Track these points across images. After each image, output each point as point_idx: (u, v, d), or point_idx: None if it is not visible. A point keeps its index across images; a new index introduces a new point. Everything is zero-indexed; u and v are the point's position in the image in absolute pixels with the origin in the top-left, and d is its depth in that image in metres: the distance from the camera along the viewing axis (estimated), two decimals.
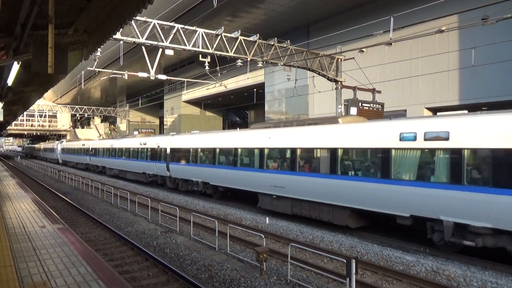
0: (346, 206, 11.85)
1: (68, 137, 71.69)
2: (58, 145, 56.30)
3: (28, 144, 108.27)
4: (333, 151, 12.11)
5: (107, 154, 33.57)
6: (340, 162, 11.99)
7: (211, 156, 18.59)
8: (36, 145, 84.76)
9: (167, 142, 22.97)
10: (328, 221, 12.68)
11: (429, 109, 23.86)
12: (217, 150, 18.11)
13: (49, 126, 75.62)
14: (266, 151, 14.98)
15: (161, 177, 24.28)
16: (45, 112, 62.91)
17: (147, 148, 25.35)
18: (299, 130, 13.82)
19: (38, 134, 75.58)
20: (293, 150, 13.66)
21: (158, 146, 23.74)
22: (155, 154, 24.10)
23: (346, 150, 12.05)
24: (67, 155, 50.97)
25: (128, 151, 28.70)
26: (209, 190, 19.19)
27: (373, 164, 11.23)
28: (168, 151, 22.55)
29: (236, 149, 16.58)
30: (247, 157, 16.17)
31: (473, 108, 19.95)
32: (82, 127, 79.69)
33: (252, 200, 16.59)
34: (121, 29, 5.92)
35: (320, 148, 12.82)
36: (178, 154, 21.47)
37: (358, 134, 11.54)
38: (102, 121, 76.72)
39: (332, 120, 13.53)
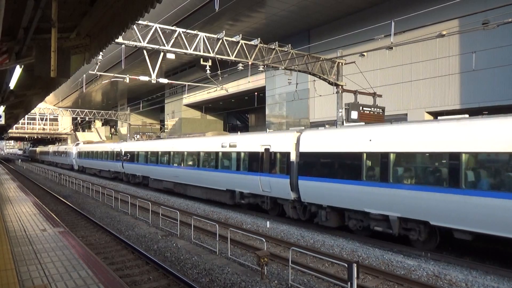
0: None
1: (69, 140, 71.67)
2: (74, 148, 47.03)
3: (30, 146, 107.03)
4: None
5: (153, 160, 25.09)
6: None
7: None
8: (42, 148, 76.16)
9: (290, 142, 14.19)
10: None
11: (430, 113, 23.85)
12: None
13: (50, 129, 75.55)
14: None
15: (272, 201, 15.29)
16: (46, 116, 63.01)
17: (240, 153, 16.66)
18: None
19: (39, 137, 75.53)
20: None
21: (268, 150, 15.05)
22: (263, 162, 15.30)
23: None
24: (86, 160, 41.59)
25: (196, 156, 20.06)
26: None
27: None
28: (294, 158, 13.96)
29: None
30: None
31: (474, 112, 19.95)
32: (83, 131, 79.78)
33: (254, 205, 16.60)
34: (123, 33, 5.94)
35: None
36: (319, 162, 12.97)
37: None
38: (103, 125, 76.84)
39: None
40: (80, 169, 45.00)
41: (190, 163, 20.53)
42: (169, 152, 22.77)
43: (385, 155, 10.82)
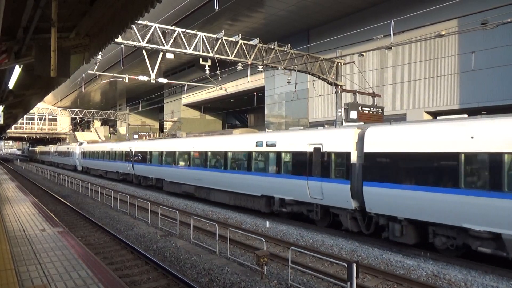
0: None
1: (67, 140, 71.57)
2: (77, 148, 44.69)
3: (29, 146, 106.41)
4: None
5: (169, 160, 22.68)
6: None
7: None
8: (42, 148, 73.56)
9: (349, 141, 11.99)
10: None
11: (429, 113, 23.89)
12: None
13: (49, 129, 75.43)
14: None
15: (323, 210, 13.03)
16: (45, 115, 62.91)
17: (281, 153, 14.35)
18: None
19: (38, 137, 75.44)
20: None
21: (320, 150, 12.78)
22: (312, 164, 12.98)
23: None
24: (90, 160, 39.23)
25: (223, 157, 17.51)
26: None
27: None
28: (355, 159, 11.78)
29: None
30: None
31: (473, 112, 19.98)
32: (82, 131, 79.74)
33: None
34: (122, 33, 5.94)
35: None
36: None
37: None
38: (102, 125, 76.83)
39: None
40: (84, 170, 42.81)
41: (216, 164, 18.15)
42: (189, 153, 20.38)
43: (498, 156, 8.54)
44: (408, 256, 10.19)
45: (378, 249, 10.86)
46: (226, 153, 17.32)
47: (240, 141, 16.73)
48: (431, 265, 9.31)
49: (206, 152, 18.84)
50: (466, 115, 10.49)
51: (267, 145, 15.02)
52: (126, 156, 29.49)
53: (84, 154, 41.39)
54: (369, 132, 11.42)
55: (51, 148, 62.03)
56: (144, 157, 26.19)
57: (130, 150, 28.56)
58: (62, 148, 53.81)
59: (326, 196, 12.47)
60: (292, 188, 13.70)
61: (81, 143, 45.74)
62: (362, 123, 14.71)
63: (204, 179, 18.84)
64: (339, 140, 12.31)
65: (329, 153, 12.46)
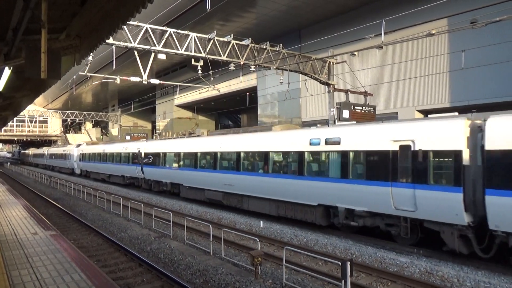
0: None
1: (59, 142, 70.87)
2: (74, 150, 41.85)
3: (19, 149, 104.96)
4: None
5: (189, 163, 19.92)
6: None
7: None
8: (36, 150, 70.42)
9: (458, 136, 9.53)
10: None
11: (420, 111, 24.09)
12: None
13: (40, 131, 74.66)
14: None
15: (414, 224, 10.55)
16: (36, 118, 62.28)
17: (348, 152, 11.90)
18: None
19: (29, 139, 74.65)
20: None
21: (409, 148, 10.39)
22: (397, 166, 10.60)
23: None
24: (91, 163, 36.27)
25: (263, 158, 15.05)
26: None
27: None
28: (468, 159, 9.36)
29: None
30: None
31: (464, 110, 20.20)
32: (75, 132, 79.11)
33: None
34: (113, 34, 5.90)
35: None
36: None
37: None
38: (93, 126, 76.32)
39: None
40: (83, 174, 39.79)
41: (253, 167, 15.60)
42: (215, 153, 17.57)
43: None
44: (401, 254, 10.27)
45: (371, 247, 10.93)
46: (267, 153, 14.77)
47: (285, 139, 14.29)
48: (424, 262, 9.40)
49: (239, 153, 16.14)
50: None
51: (326, 143, 12.45)
52: (133, 158, 26.63)
53: (83, 157, 38.53)
54: (493, 123, 8.80)
55: (46, 150, 59.40)
56: (156, 159, 23.39)
57: (139, 151, 25.66)
58: (58, 150, 50.85)
59: (421, 207, 9.93)
60: (366, 196, 11.17)
61: (79, 145, 43.06)
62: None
63: (237, 184, 16.21)
64: (440, 135, 9.76)
65: (425, 152, 9.96)
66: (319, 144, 12.71)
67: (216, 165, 17.47)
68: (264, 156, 14.87)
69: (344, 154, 11.90)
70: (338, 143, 12.09)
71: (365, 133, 11.61)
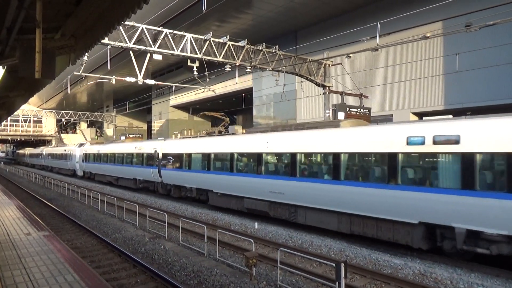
0: None
1: (53, 142, 70.41)
2: (77, 150, 38.61)
3: (13, 149, 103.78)
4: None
5: (221, 166, 17.33)
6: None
7: None
8: (32, 150, 67.33)
9: None
10: None
11: (415, 114, 24.24)
12: None
13: (34, 131, 74.11)
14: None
15: None
16: (30, 117, 61.88)
17: (474, 154, 8.82)
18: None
19: (23, 139, 74.12)
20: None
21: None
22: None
23: None
24: (96, 165, 33.07)
25: (329, 161, 12.25)
26: None
27: None
28: None
29: None
30: None
31: (458, 113, 20.36)
32: (73, 132, 78.75)
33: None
34: (109, 34, 5.88)
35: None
36: None
37: None
38: (88, 126, 76.00)
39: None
40: (86, 176, 36.57)
41: (314, 172, 12.99)
42: (259, 154, 14.84)
43: None
44: (395, 256, 10.31)
45: (366, 249, 10.96)
46: (337, 155, 11.80)
47: (364, 137, 11.22)
48: (418, 264, 9.44)
49: (294, 154, 13.32)
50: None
51: (435, 142, 9.46)
52: (148, 160, 23.72)
53: (87, 157, 35.09)
54: None
55: (43, 150, 56.32)
56: (178, 161, 20.51)
57: (155, 152, 22.85)
58: (57, 149, 47.07)
59: None
60: (506, 214, 8.20)
61: (81, 144, 39.84)
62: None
63: (289, 192, 13.48)
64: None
65: None
66: (423, 143, 9.72)
67: (261, 168, 14.70)
68: (332, 158, 12.01)
69: (467, 157, 8.89)
70: (457, 142, 9.10)
71: (501, 128, 8.47)
